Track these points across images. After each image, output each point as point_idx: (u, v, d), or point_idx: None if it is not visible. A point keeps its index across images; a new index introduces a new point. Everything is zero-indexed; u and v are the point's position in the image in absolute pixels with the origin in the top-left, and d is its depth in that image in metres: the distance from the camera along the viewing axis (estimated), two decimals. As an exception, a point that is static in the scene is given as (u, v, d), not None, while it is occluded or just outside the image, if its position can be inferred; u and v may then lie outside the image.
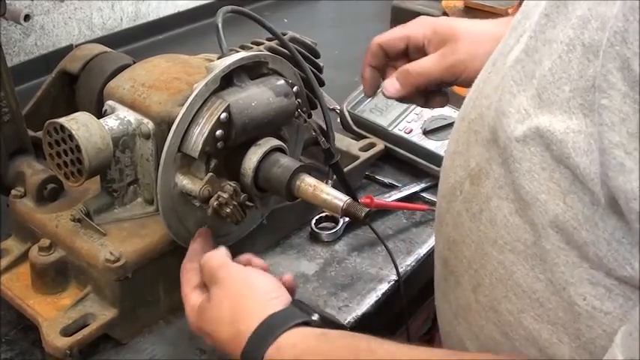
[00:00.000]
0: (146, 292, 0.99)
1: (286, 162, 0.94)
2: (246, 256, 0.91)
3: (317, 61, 1.15)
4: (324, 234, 1.19)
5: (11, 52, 1.65)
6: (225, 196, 0.91)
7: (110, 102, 0.99)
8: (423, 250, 1.18)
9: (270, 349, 0.76)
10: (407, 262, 1.15)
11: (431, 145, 1.32)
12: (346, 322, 1.04)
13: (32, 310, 0.96)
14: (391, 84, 1.03)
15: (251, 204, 0.95)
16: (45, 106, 1.11)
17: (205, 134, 0.89)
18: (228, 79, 0.93)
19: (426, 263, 1.18)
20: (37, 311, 0.95)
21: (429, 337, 1.37)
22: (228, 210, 0.91)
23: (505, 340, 0.70)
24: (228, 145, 0.92)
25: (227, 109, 0.90)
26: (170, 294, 1.01)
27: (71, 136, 0.89)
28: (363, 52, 1.79)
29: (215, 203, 0.91)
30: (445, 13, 1.65)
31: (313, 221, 1.20)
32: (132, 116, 0.96)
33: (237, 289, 0.83)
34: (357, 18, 2.03)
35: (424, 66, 1.00)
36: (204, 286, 0.88)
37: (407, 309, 1.11)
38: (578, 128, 0.57)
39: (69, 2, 1.74)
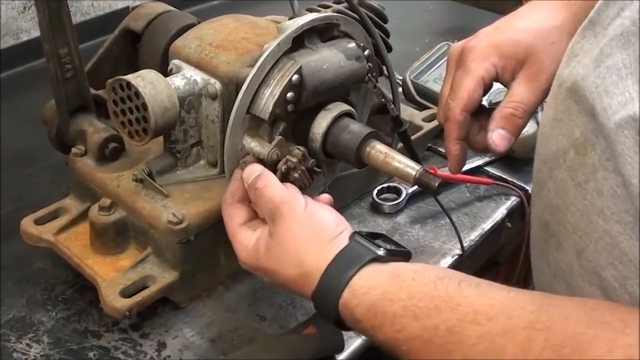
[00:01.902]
0: (207, 256, 0.97)
1: (356, 127, 0.91)
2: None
3: (385, 26, 1.11)
4: (386, 205, 1.16)
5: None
6: (294, 160, 0.88)
7: (176, 61, 0.96)
8: (487, 225, 1.15)
9: (345, 294, 0.75)
10: (471, 237, 1.13)
11: None
12: None
13: (91, 270, 0.94)
14: (500, 136, 0.90)
15: (319, 170, 0.92)
16: (106, 64, 1.09)
17: (276, 96, 0.86)
18: (299, 41, 0.90)
19: (490, 238, 1.15)
20: (96, 271, 0.94)
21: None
22: (296, 175, 0.89)
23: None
24: (298, 109, 0.89)
25: (299, 71, 0.87)
26: (230, 259, 0.98)
27: (137, 94, 0.87)
28: (421, 21, 1.78)
29: (283, 167, 0.88)
30: None
31: (375, 192, 1.17)
32: (198, 76, 0.94)
33: (303, 227, 0.81)
34: None
35: (524, 100, 0.90)
36: (254, 220, 0.86)
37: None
38: None
39: None
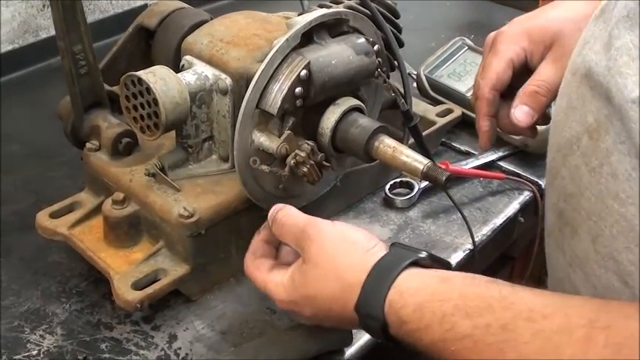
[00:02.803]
0: (218, 250, 0.98)
1: (365, 122, 0.92)
2: None
3: (397, 21, 1.11)
4: (399, 200, 1.16)
5: (86, 9, 1.59)
6: (303, 154, 0.89)
7: (188, 57, 0.98)
8: (499, 220, 1.15)
9: (390, 296, 0.74)
10: (482, 232, 1.12)
11: None
12: None
13: (103, 263, 0.95)
14: (523, 112, 0.96)
15: (328, 164, 0.93)
16: (121, 60, 1.10)
17: (285, 91, 0.87)
18: (308, 37, 0.91)
19: (502, 233, 1.15)
20: (109, 264, 0.95)
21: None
22: (304, 169, 0.90)
23: (625, 289, 0.69)
24: (307, 104, 0.90)
25: (307, 67, 0.88)
26: (242, 252, 0.99)
27: (149, 89, 0.88)
28: (439, 17, 1.78)
29: (292, 162, 0.89)
30: None
31: (387, 186, 1.18)
32: (209, 71, 0.95)
33: (335, 243, 0.81)
34: None
35: (549, 80, 0.95)
36: (282, 266, 0.86)
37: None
38: None
39: None
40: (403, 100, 1.00)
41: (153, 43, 1.08)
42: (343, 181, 1.07)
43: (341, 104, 0.92)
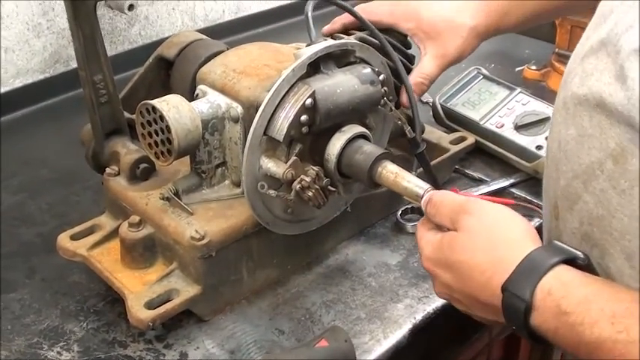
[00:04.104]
0: (229, 272, 1.02)
1: (369, 149, 0.95)
2: None
3: (408, 51, 1.15)
4: (409, 225, 1.19)
5: (116, 40, 1.71)
6: (308, 179, 0.92)
7: (202, 86, 1.02)
8: None
9: (549, 282, 0.73)
10: None
11: (522, 140, 1.30)
12: (425, 312, 1.04)
13: (119, 283, 0.99)
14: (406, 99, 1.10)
15: (333, 189, 0.96)
16: (141, 89, 1.14)
17: (291, 118, 0.91)
18: (315, 67, 0.95)
19: None
20: (124, 284, 0.99)
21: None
22: (310, 193, 0.93)
23: None
24: (313, 131, 0.94)
25: (312, 95, 0.91)
26: (253, 274, 1.04)
27: (162, 117, 0.92)
28: None
29: (298, 186, 0.92)
30: None
31: (399, 212, 1.20)
32: (222, 100, 0.99)
33: (495, 219, 0.82)
34: None
35: (431, 73, 1.14)
36: (440, 228, 0.87)
37: None
38: None
39: None
40: (410, 127, 1.03)
41: (172, 73, 1.12)
42: (354, 207, 1.10)
43: (346, 131, 0.96)
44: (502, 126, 1.33)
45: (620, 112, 0.71)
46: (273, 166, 0.94)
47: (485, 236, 0.80)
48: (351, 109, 0.96)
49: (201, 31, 1.78)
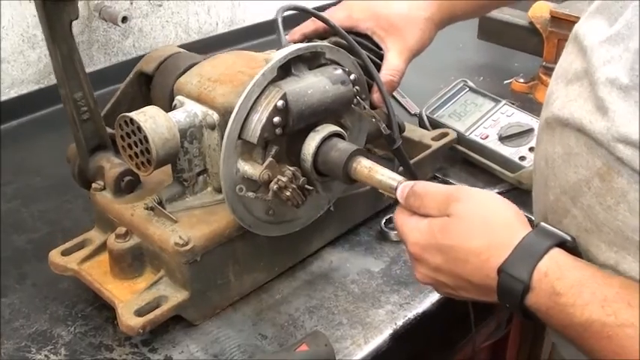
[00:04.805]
0: (216, 276, 1.03)
1: (344, 146, 0.97)
2: None
3: (380, 52, 1.18)
4: (393, 233, 1.21)
5: (110, 52, 1.73)
6: (284, 179, 0.94)
7: (179, 97, 1.04)
8: None
9: (546, 265, 0.76)
10: None
11: (506, 151, 1.32)
12: (406, 318, 1.07)
13: (109, 294, 1.02)
14: (379, 98, 1.13)
15: (311, 187, 0.98)
16: (123, 104, 1.16)
17: (263, 121, 0.93)
18: (286, 70, 0.98)
19: None
20: (114, 294, 1.01)
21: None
22: (287, 193, 0.95)
23: None
24: (287, 132, 0.96)
25: (283, 97, 0.94)
26: (240, 278, 1.06)
27: (139, 128, 0.95)
28: (450, 59, 1.86)
29: (275, 187, 0.94)
30: (532, 23, 1.67)
31: (383, 221, 1.23)
32: (198, 109, 1.01)
33: (486, 204, 0.84)
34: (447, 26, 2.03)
35: (398, 68, 1.17)
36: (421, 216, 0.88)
37: (473, 312, 1.11)
38: None
39: (166, 6, 1.81)
40: (385, 125, 1.05)
41: (152, 87, 1.14)
42: (338, 207, 1.12)
43: (320, 131, 0.98)
44: (487, 137, 1.35)
45: (601, 140, 0.76)
46: (249, 168, 0.96)
47: (479, 221, 0.82)
48: (323, 109, 0.98)
49: (195, 43, 1.84)
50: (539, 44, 1.65)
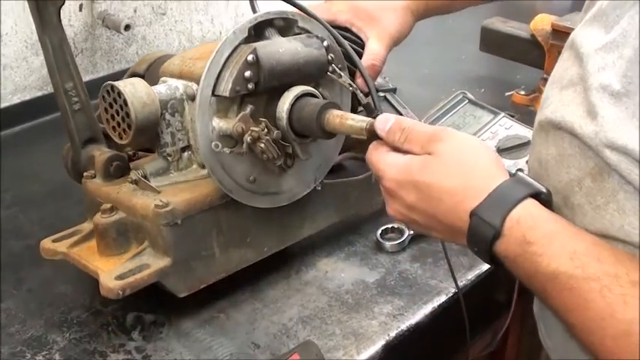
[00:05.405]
0: (199, 245, 1.04)
1: (316, 101, 0.99)
2: None
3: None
4: (389, 244, 1.21)
5: (113, 59, 1.79)
6: (257, 129, 0.96)
7: (163, 78, 1.08)
8: (485, 266, 1.17)
9: (519, 213, 0.77)
10: (467, 277, 1.15)
11: (505, 163, 1.31)
12: (399, 329, 1.06)
13: (94, 267, 1.02)
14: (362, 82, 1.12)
15: (286, 144, 1.00)
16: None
17: (234, 74, 0.96)
18: (259, 35, 1.01)
19: (487, 282, 1.17)
20: (98, 267, 1.02)
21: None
22: (262, 145, 0.96)
23: None
24: (260, 89, 0.98)
25: (254, 52, 0.97)
26: (226, 252, 1.06)
27: (119, 93, 0.99)
28: (452, 70, 1.89)
29: (249, 138, 0.96)
30: (533, 36, 1.70)
31: (379, 231, 1.23)
32: (180, 83, 1.05)
33: (468, 147, 0.84)
34: (450, 38, 2.09)
35: (380, 54, 1.18)
36: (398, 151, 0.88)
37: (467, 324, 1.10)
38: None
39: (170, 15, 1.86)
40: (362, 94, 1.07)
41: (143, 87, 1.19)
42: (331, 195, 1.14)
43: (294, 90, 1.00)
44: (485, 149, 1.36)
45: (591, 143, 0.78)
46: (224, 124, 0.98)
47: (458, 162, 0.82)
48: (296, 69, 1.00)
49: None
50: (540, 57, 1.68)
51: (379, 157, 0.89)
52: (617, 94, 0.76)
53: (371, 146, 0.91)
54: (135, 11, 1.78)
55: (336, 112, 0.97)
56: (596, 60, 0.81)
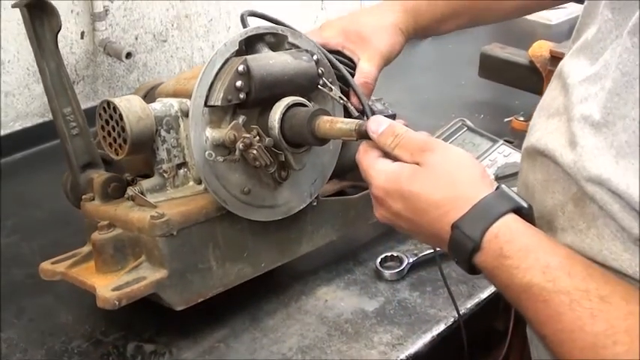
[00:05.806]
0: (196, 257, 1.04)
1: (307, 109, 1.01)
2: None
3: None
4: (388, 273, 1.21)
5: (114, 86, 1.79)
6: (248, 135, 0.97)
7: (158, 98, 1.10)
8: (484, 295, 1.17)
9: (499, 227, 0.79)
10: (467, 305, 1.15)
11: None
12: (398, 359, 1.06)
13: (91, 282, 1.02)
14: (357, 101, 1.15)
15: (278, 151, 1.01)
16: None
17: (226, 84, 0.98)
18: (250, 50, 1.04)
19: (487, 310, 1.18)
20: (96, 282, 1.02)
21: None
22: (254, 152, 0.97)
23: None
24: (252, 99, 1.00)
25: (245, 62, 0.99)
26: (223, 266, 1.06)
27: (115, 108, 1.01)
28: (451, 96, 1.91)
29: (240, 145, 0.97)
30: (532, 62, 1.72)
31: (378, 260, 1.23)
32: (174, 101, 1.07)
33: (457, 160, 0.86)
34: (450, 63, 2.10)
35: (371, 74, 1.19)
36: (387, 156, 0.89)
37: (467, 353, 1.10)
38: None
39: (171, 42, 1.87)
40: (352, 107, 1.09)
41: (142, 114, 1.21)
42: (329, 211, 1.15)
43: (285, 100, 1.02)
44: (484, 177, 1.37)
45: (571, 171, 0.81)
46: (217, 133, 1.00)
47: (446, 174, 0.84)
48: (287, 80, 1.02)
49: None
50: (538, 82, 1.69)
51: (369, 162, 0.90)
52: (597, 125, 0.79)
53: (361, 147, 0.92)
54: (136, 39, 1.80)
55: (326, 117, 0.98)
56: (580, 91, 0.84)
